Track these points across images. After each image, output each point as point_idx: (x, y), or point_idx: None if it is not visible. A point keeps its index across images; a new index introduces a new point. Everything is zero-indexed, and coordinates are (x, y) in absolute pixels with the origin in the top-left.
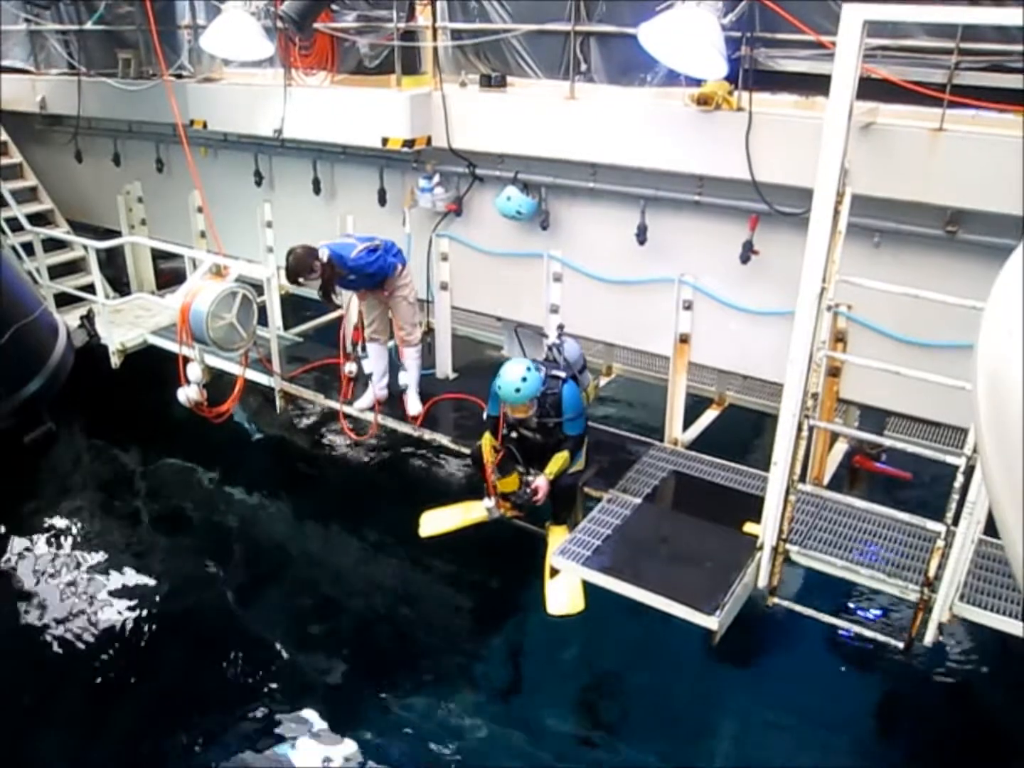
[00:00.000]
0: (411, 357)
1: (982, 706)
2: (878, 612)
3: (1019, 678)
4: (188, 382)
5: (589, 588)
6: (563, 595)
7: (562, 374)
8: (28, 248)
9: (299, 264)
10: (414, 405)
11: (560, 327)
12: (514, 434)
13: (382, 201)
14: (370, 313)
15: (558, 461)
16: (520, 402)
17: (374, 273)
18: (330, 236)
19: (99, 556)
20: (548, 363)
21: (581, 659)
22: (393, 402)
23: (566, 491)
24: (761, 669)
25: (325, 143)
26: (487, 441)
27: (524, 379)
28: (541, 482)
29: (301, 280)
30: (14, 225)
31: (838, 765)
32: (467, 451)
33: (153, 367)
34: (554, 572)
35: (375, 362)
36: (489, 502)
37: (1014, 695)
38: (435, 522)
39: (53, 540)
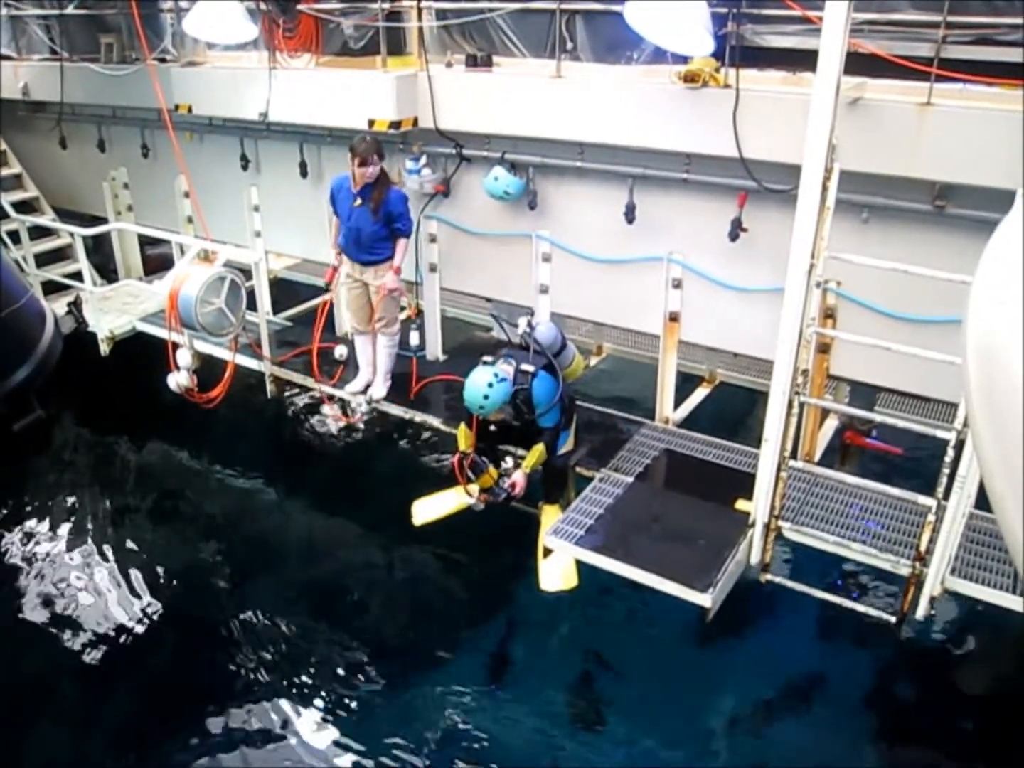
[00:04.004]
0: (385, 345)
1: (974, 677)
2: (869, 587)
3: (1010, 648)
4: (178, 368)
5: (582, 567)
6: (556, 572)
7: (531, 368)
8: (14, 236)
9: (368, 146)
10: (379, 389)
11: (530, 315)
12: (492, 427)
13: None
14: (354, 305)
15: (535, 454)
16: (485, 414)
17: (397, 217)
18: (318, 220)
19: (89, 544)
20: (520, 351)
21: (575, 636)
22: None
23: (557, 471)
24: (755, 645)
25: (311, 126)
26: (462, 433)
27: (487, 396)
28: (518, 477)
29: (359, 156)
30: None
31: (831, 739)
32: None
33: (142, 354)
34: (547, 552)
35: (363, 352)
36: (471, 499)
37: (1005, 665)
38: (427, 510)
39: (42, 529)
